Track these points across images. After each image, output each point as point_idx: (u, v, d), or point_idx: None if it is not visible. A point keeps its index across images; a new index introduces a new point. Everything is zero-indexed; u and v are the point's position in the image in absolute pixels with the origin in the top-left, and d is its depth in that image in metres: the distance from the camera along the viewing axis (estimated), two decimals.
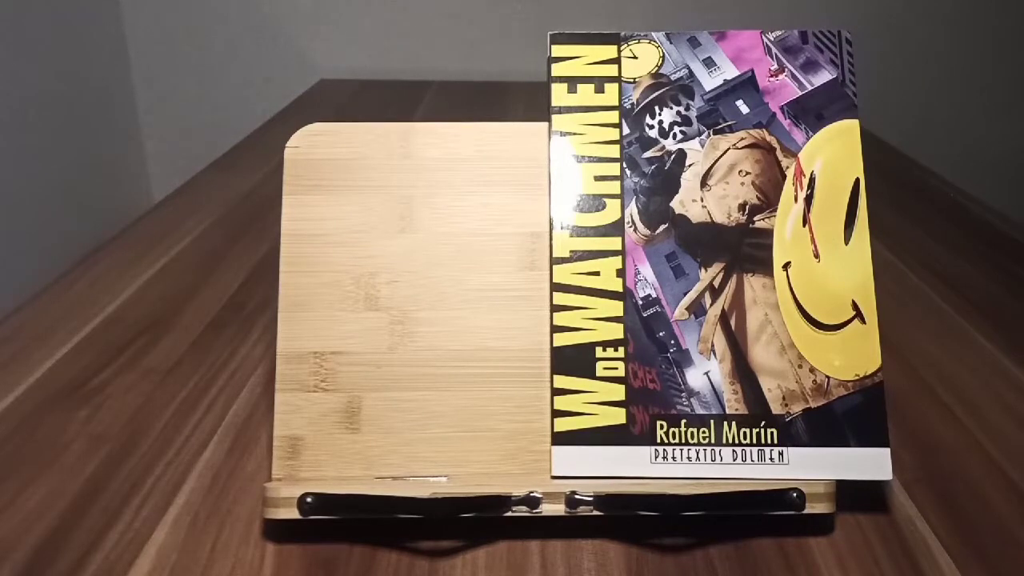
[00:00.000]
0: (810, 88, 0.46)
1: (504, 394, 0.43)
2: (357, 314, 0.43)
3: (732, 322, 0.43)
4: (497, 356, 0.43)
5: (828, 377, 0.43)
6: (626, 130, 0.46)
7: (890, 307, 0.69)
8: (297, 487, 0.40)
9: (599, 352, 0.43)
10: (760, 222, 0.45)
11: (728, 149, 0.45)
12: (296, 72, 1.53)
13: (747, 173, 0.45)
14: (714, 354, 0.43)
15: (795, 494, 0.40)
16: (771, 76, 0.46)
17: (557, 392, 0.43)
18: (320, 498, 0.39)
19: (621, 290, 0.44)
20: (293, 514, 0.39)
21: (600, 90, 0.46)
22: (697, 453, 0.42)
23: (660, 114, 0.46)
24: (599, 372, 0.43)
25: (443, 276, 0.44)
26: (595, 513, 0.40)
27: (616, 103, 0.46)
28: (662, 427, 0.42)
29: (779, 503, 0.40)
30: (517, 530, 0.42)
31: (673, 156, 0.45)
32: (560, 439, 0.42)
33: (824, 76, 0.46)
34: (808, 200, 0.45)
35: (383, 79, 1.53)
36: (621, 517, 0.42)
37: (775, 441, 0.42)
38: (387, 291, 0.44)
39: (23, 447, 0.48)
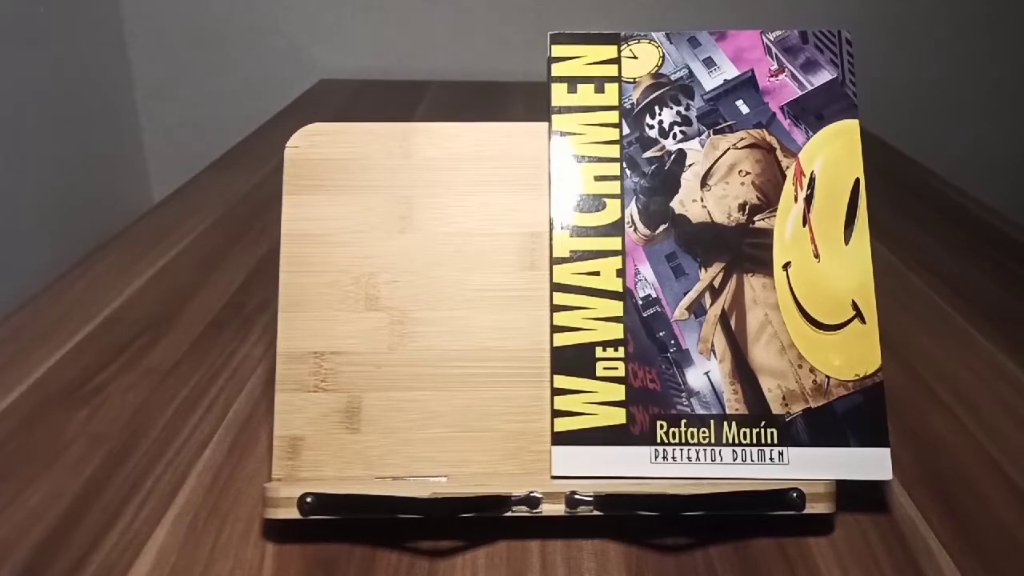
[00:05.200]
0: (810, 88, 0.46)
1: (504, 394, 0.43)
2: (357, 314, 0.43)
3: (732, 322, 0.43)
4: (497, 356, 0.43)
5: (828, 377, 0.43)
6: (626, 130, 0.46)
7: (890, 307, 0.69)
8: (297, 487, 0.40)
9: (599, 352, 0.43)
10: (760, 222, 0.45)
11: (728, 149, 0.45)
12: (296, 72, 1.53)
13: (747, 173, 0.45)
14: (714, 354, 0.43)
15: (795, 494, 0.40)
16: (771, 76, 0.46)
17: (557, 392, 0.43)
18: (320, 498, 0.39)
19: (621, 290, 0.44)
20: (293, 514, 0.39)
21: (600, 90, 0.46)
22: (697, 453, 0.42)
23: (660, 114, 0.46)
24: (599, 372, 0.43)
25: (443, 276, 0.44)
26: (595, 513, 0.40)
27: (616, 103, 0.46)
28: (662, 427, 0.42)
29: (779, 503, 0.40)
30: (517, 530, 0.42)
31: (673, 156, 0.45)
32: (560, 439, 0.42)
33: (824, 76, 0.46)
34: (808, 200, 0.45)
35: (383, 79, 1.53)
36: (621, 517, 0.42)
37: (775, 441, 0.42)
38: (387, 291, 0.44)
39: (23, 447, 0.48)
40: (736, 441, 0.42)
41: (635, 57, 0.47)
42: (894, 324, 0.66)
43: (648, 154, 0.45)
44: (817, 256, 0.44)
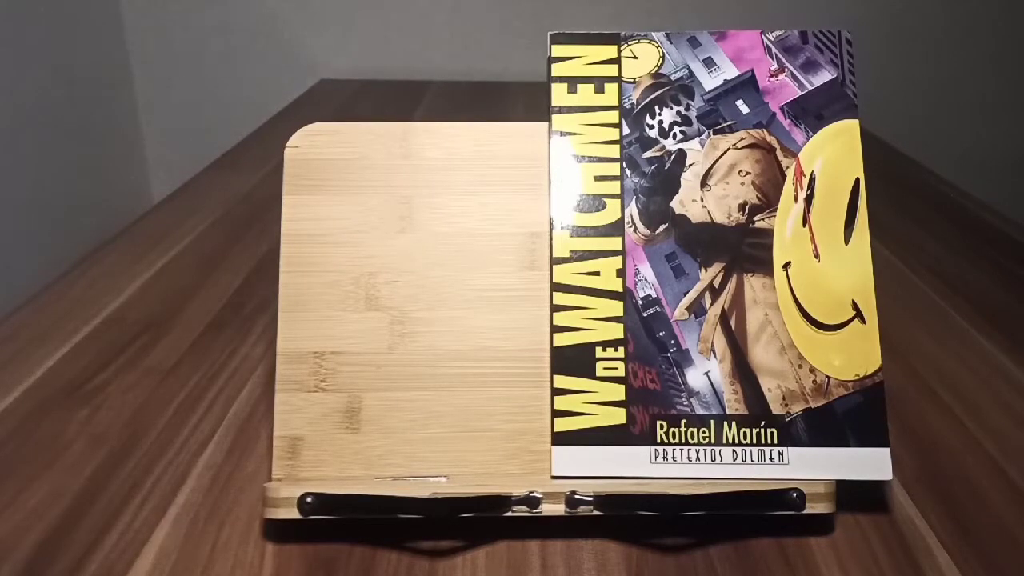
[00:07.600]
0: (810, 88, 0.46)
1: (504, 394, 0.43)
2: (357, 314, 0.43)
3: (732, 322, 0.43)
4: (497, 356, 0.43)
5: (828, 377, 0.43)
6: (626, 130, 0.46)
7: (890, 307, 0.69)
8: (297, 487, 0.40)
9: (599, 352, 0.43)
10: (760, 222, 0.45)
11: (728, 149, 0.45)
12: (296, 72, 1.53)
13: (747, 173, 0.45)
14: (714, 354, 0.43)
15: (795, 494, 0.40)
16: (771, 76, 0.46)
17: (557, 392, 0.43)
18: (320, 498, 0.39)
19: (621, 290, 0.44)
20: (293, 514, 0.39)
21: (600, 90, 0.46)
22: (697, 453, 0.42)
23: (660, 114, 0.46)
24: (599, 372, 0.43)
25: (443, 276, 0.44)
26: (595, 513, 0.40)
27: (616, 103, 0.46)
28: (662, 427, 0.42)
29: (779, 503, 0.40)
30: (517, 530, 0.42)
31: (673, 156, 0.45)
32: (560, 439, 0.42)
33: (824, 76, 0.46)
34: (808, 200, 0.45)
35: (383, 79, 1.53)
36: (621, 517, 0.42)
37: (775, 441, 0.42)
38: (387, 291, 0.44)
39: (23, 447, 0.48)
40: (736, 441, 0.42)
41: (635, 57, 0.47)
42: (894, 324, 0.66)
43: (648, 154, 0.45)
44: (817, 256, 0.44)
